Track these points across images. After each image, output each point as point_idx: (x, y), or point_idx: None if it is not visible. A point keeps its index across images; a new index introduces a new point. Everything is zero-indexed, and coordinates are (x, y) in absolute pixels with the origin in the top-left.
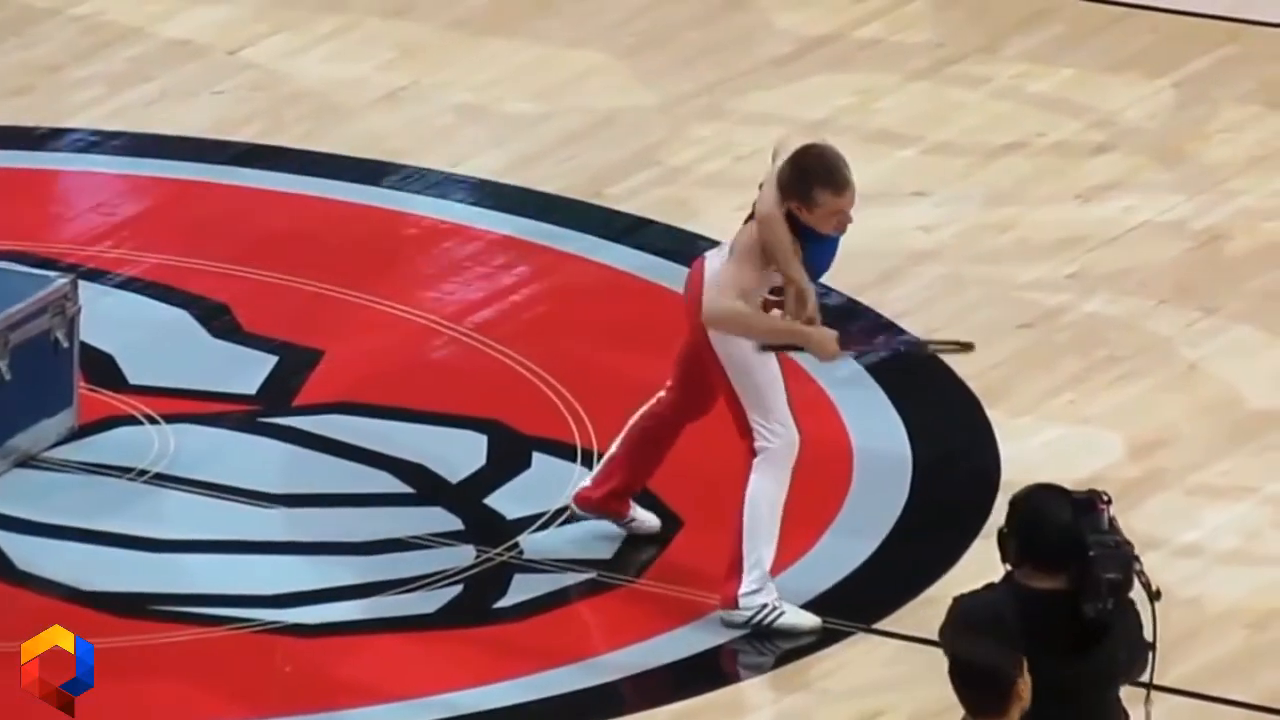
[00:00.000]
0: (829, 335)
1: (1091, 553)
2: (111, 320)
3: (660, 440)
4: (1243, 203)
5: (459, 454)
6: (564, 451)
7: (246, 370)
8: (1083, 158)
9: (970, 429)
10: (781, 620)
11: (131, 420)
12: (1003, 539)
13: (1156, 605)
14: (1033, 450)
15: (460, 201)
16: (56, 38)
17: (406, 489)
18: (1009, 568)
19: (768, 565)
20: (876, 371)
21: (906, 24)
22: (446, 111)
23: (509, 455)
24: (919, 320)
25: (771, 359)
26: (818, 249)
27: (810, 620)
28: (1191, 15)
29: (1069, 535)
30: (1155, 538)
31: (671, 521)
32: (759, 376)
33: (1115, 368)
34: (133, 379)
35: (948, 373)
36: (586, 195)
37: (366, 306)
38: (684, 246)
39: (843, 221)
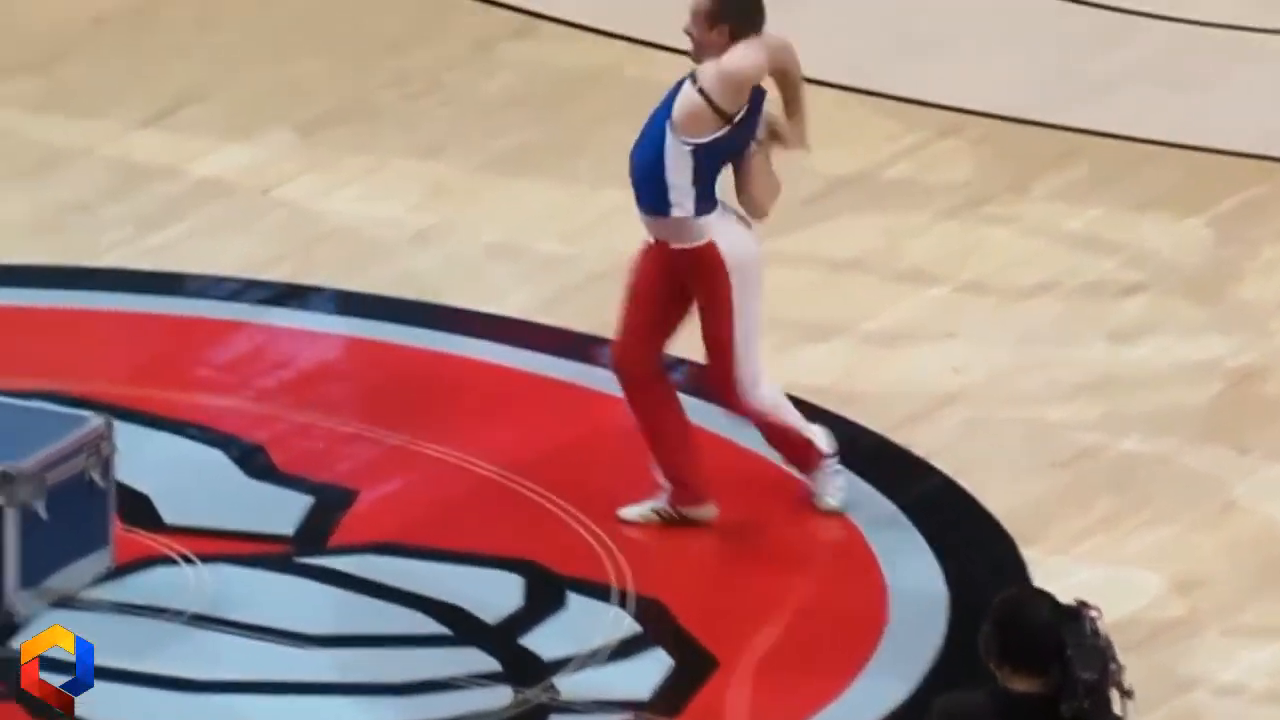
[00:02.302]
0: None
1: (1069, 652)
2: (147, 460)
3: None
4: (1278, 342)
5: (495, 594)
6: (599, 591)
7: (282, 510)
8: (1114, 297)
9: (1005, 569)
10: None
11: (168, 560)
12: (985, 639)
13: (1130, 704)
14: (1068, 590)
15: (492, 340)
16: (87, 176)
17: (443, 630)
18: (992, 668)
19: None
20: (912, 511)
21: (936, 163)
22: (477, 250)
23: (544, 595)
24: (950, 460)
25: (757, 304)
26: None
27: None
28: (1222, 153)
29: (1048, 635)
30: (1193, 678)
31: (707, 661)
32: (753, 310)
33: (1149, 507)
34: (169, 519)
35: (982, 512)
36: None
37: (400, 446)
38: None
39: None
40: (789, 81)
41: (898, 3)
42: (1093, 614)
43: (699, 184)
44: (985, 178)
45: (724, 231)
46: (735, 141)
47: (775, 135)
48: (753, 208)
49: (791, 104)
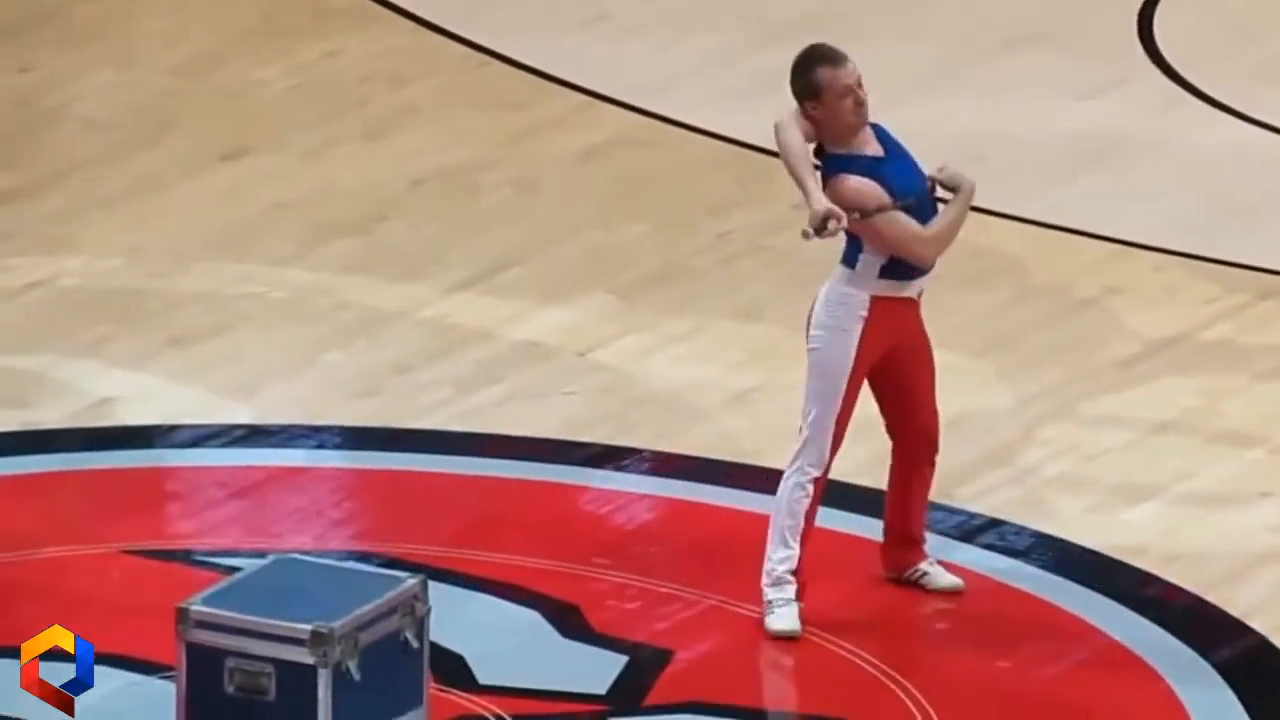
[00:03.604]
0: (822, 204)
1: None
2: (461, 620)
3: (907, 477)
4: None
5: None
6: None
7: (597, 670)
8: None
9: None
10: (767, 618)
11: None
12: None
13: None
14: None
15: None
16: (405, 340)
17: None
18: None
19: (781, 566)
20: (1226, 670)
21: (1254, 325)
22: (797, 412)
23: None
24: (1266, 620)
25: (846, 378)
26: (891, 170)
27: (786, 625)
28: None
29: None
30: None
31: None
32: (826, 388)
33: None
34: (483, 679)
35: None
36: (938, 496)
37: (716, 606)
38: (1036, 547)
39: (857, 98)
40: None
41: (1216, 167)
42: None
43: None
44: None
45: None
46: None
47: None
48: None
49: None
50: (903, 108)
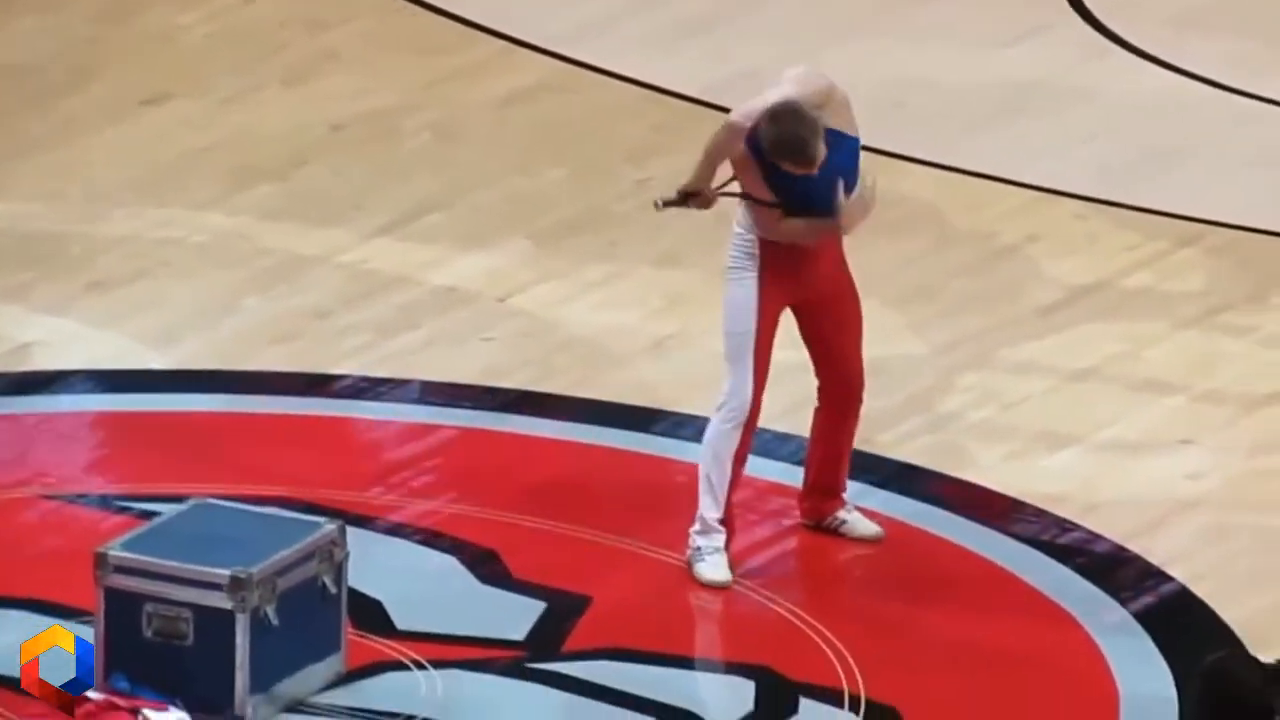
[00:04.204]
0: (697, 185)
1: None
2: (379, 566)
3: (830, 428)
4: None
5: (727, 699)
6: (831, 697)
7: (515, 616)
8: None
9: None
10: (695, 565)
11: (399, 666)
12: (1190, 710)
13: None
14: None
15: None
16: (324, 284)
17: None
18: None
19: (709, 514)
20: (1145, 618)
21: (1174, 272)
22: (715, 359)
23: (776, 701)
24: (1185, 567)
25: (752, 318)
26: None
27: (716, 575)
28: None
29: (1258, 700)
30: None
31: None
32: (734, 329)
33: None
34: (401, 624)
35: (1215, 619)
36: (858, 443)
37: (635, 553)
38: (953, 493)
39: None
40: None
41: (1136, 115)
42: None
43: None
44: (1224, 287)
45: None
46: None
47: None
48: None
49: None
50: (826, 53)
